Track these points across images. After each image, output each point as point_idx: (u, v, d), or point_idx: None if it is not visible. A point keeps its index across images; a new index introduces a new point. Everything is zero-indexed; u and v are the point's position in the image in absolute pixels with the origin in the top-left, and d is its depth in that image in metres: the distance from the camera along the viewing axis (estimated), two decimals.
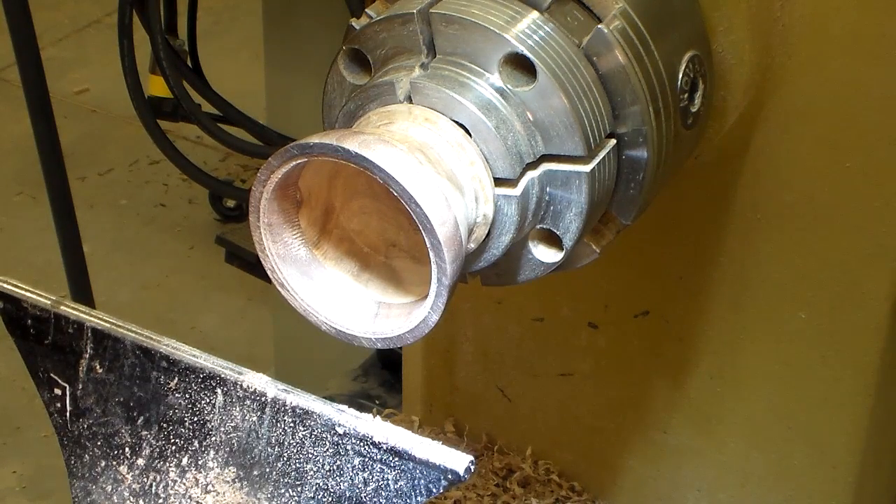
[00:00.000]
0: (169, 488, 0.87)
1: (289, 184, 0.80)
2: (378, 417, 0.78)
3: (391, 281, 0.86)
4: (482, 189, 0.82)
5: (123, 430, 0.88)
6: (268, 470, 0.82)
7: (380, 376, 2.18)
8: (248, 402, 0.82)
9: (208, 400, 0.84)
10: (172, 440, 0.86)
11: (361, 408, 0.80)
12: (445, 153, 0.80)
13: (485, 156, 0.82)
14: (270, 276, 0.83)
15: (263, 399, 0.82)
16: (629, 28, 0.88)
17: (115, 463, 0.89)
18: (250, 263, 2.56)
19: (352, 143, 0.74)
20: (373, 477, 0.78)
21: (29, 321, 0.90)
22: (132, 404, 0.87)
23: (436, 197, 0.74)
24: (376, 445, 0.77)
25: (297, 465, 0.81)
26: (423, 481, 0.76)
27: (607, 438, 1.37)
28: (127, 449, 0.88)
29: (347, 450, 0.78)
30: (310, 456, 0.80)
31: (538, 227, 0.87)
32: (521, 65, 0.83)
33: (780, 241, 1.14)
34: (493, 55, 0.83)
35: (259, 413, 0.82)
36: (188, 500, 0.86)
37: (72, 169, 2.37)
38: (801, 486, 1.26)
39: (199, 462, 0.85)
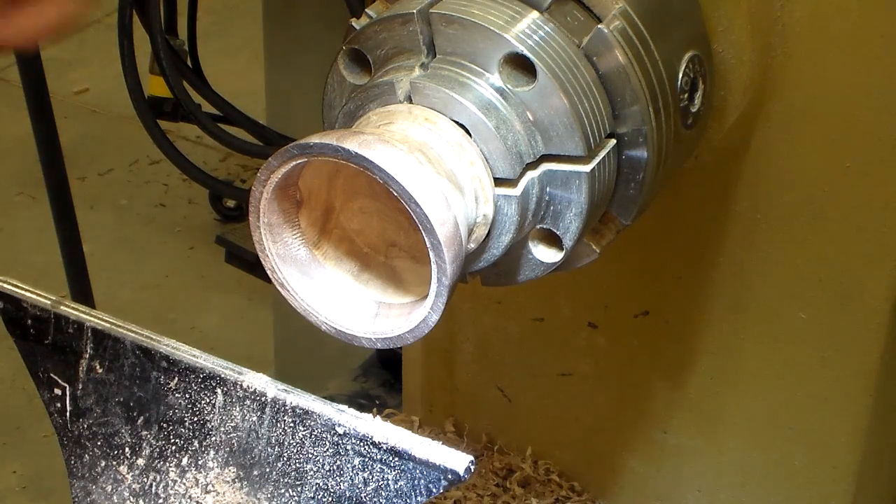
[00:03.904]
0: (169, 488, 0.87)
1: (289, 184, 0.80)
2: (378, 417, 0.78)
3: (391, 281, 0.86)
4: (482, 189, 0.82)
5: (123, 430, 0.88)
6: (268, 470, 0.82)
7: (380, 376, 2.18)
8: (248, 402, 0.82)
9: (208, 400, 0.84)
10: (172, 440, 0.86)
11: (361, 408, 0.80)
12: (445, 153, 0.80)
13: (485, 156, 0.82)
14: (270, 276, 0.83)
15: (263, 399, 0.82)
16: (629, 28, 0.88)
17: (115, 463, 0.89)
18: (250, 263, 2.56)
19: (352, 143, 0.74)
20: (373, 477, 0.78)
21: (29, 321, 0.90)
22: (132, 404, 0.87)
23: (436, 197, 0.74)
24: (376, 445, 0.77)
25: (297, 465, 0.81)
26: (423, 481, 0.76)
27: (607, 438, 1.37)
28: (127, 449, 0.88)
29: (347, 450, 0.78)
30: (310, 456, 0.80)
31: (538, 227, 0.87)
32: (521, 65, 0.83)
33: (780, 241, 1.14)
34: (493, 55, 0.83)
35: (259, 413, 0.82)
36: (188, 500, 0.86)
37: (72, 169, 2.37)
38: (801, 486, 1.26)
39: (199, 462, 0.85)
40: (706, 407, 1.29)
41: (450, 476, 0.75)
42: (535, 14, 0.85)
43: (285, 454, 0.81)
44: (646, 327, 1.27)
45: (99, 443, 0.89)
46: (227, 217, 3.56)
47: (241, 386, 0.83)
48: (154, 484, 0.87)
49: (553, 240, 0.88)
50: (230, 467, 0.84)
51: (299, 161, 0.77)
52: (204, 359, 0.84)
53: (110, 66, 2.64)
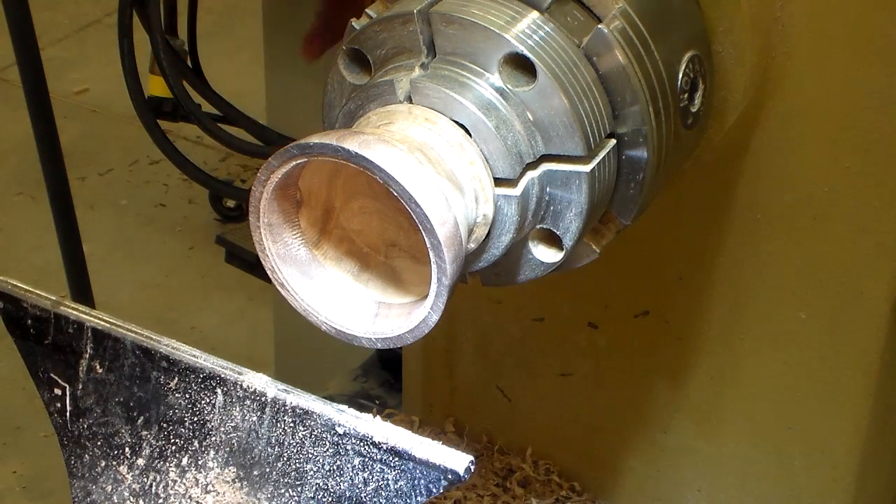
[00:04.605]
0: (169, 488, 0.87)
1: (289, 184, 0.80)
2: (378, 417, 0.78)
3: (391, 281, 0.86)
4: (482, 189, 0.82)
5: (123, 430, 0.88)
6: (268, 470, 0.82)
7: (380, 376, 2.18)
8: (248, 402, 0.82)
9: (208, 400, 0.84)
10: (172, 440, 0.86)
11: (361, 408, 0.80)
12: (445, 153, 0.80)
13: (485, 156, 0.82)
14: (270, 276, 0.83)
15: (263, 399, 0.82)
16: (629, 28, 0.88)
17: (115, 463, 0.89)
18: (250, 263, 2.56)
19: (352, 143, 0.74)
20: (373, 477, 0.78)
21: (29, 321, 0.90)
22: (132, 404, 0.87)
23: (436, 197, 0.74)
24: (376, 445, 0.77)
25: (297, 465, 0.81)
26: (423, 481, 0.76)
27: (607, 438, 1.37)
28: (127, 449, 0.88)
29: (347, 450, 0.78)
30: (310, 456, 0.80)
31: (538, 227, 0.87)
32: (521, 65, 0.83)
33: (780, 241, 1.14)
34: (493, 55, 0.83)
35: (259, 413, 0.82)
36: (188, 500, 0.86)
37: (72, 169, 2.37)
38: (801, 486, 1.26)
39: (199, 462, 0.85)
40: (706, 407, 1.29)
41: (450, 476, 0.75)
42: (535, 14, 0.85)
43: (285, 454, 0.81)
44: (646, 327, 1.27)
45: (99, 443, 0.89)
46: (227, 217, 3.56)
47: (241, 386, 0.83)
48: (154, 484, 0.87)
49: (553, 240, 0.88)
50: (230, 467, 0.84)
51: (299, 161, 0.77)
52: (204, 359, 0.84)
53: (110, 66, 2.64)
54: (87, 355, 0.88)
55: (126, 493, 0.89)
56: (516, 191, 0.83)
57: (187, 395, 0.85)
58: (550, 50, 0.84)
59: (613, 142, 0.88)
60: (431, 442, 0.75)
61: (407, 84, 0.83)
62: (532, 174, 0.84)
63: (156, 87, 2.57)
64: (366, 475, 0.78)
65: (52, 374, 0.90)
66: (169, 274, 3.45)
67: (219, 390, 0.83)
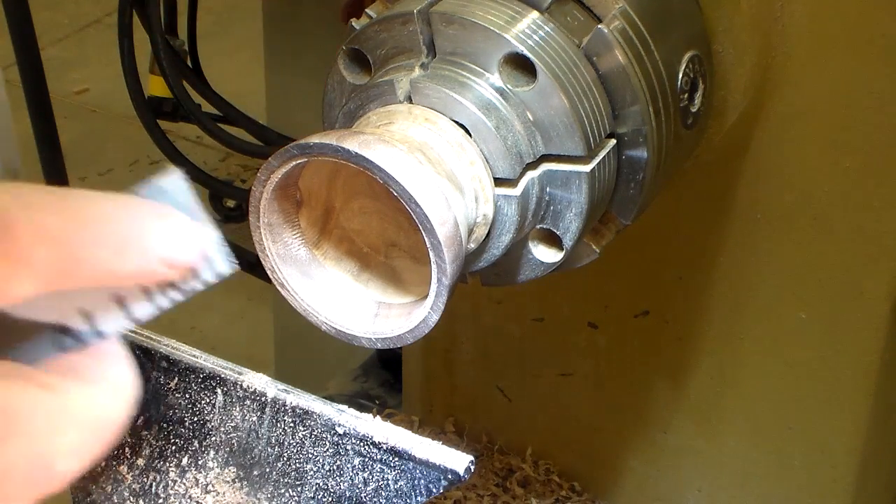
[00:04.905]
0: (169, 488, 0.87)
1: (289, 184, 0.80)
2: (378, 417, 0.78)
3: (391, 281, 0.86)
4: (482, 189, 0.82)
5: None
6: (268, 470, 0.82)
7: (380, 376, 2.18)
8: (248, 402, 0.82)
9: (208, 400, 0.84)
10: (172, 440, 0.86)
11: (361, 408, 0.80)
12: (445, 153, 0.80)
13: (485, 156, 0.82)
14: (270, 276, 0.83)
15: (263, 399, 0.82)
16: (629, 28, 0.88)
17: (115, 463, 0.88)
18: (250, 263, 2.55)
19: (352, 143, 0.74)
20: (373, 477, 0.78)
21: None
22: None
23: (436, 197, 0.74)
24: (376, 445, 0.77)
25: (297, 465, 0.81)
26: (423, 481, 0.76)
27: (607, 438, 1.37)
28: (127, 449, 0.88)
29: (347, 450, 0.78)
30: (310, 456, 0.80)
31: (538, 227, 0.87)
32: (521, 65, 0.83)
33: (780, 241, 1.14)
34: (493, 55, 0.83)
35: (259, 413, 0.82)
36: (188, 500, 0.86)
37: (72, 169, 2.37)
38: (801, 486, 1.26)
39: (199, 462, 0.85)
40: (706, 407, 1.29)
41: (450, 476, 0.75)
42: (535, 14, 0.85)
43: (285, 454, 0.81)
44: (646, 327, 1.27)
45: None
46: (227, 217, 3.56)
47: (241, 386, 0.82)
48: (154, 484, 0.87)
49: (553, 240, 0.88)
50: (230, 467, 0.84)
51: (299, 161, 0.77)
52: (204, 359, 0.84)
53: (110, 66, 2.64)
54: None
55: (126, 493, 0.88)
56: (516, 191, 0.83)
57: (187, 395, 0.85)
58: (550, 50, 0.84)
59: (613, 142, 0.88)
60: (431, 442, 0.75)
61: (407, 84, 0.83)
62: (532, 174, 0.84)
63: (156, 87, 2.57)
64: (366, 475, 0.78)
65: None
66: None
67: (219, 390, 0.83)
